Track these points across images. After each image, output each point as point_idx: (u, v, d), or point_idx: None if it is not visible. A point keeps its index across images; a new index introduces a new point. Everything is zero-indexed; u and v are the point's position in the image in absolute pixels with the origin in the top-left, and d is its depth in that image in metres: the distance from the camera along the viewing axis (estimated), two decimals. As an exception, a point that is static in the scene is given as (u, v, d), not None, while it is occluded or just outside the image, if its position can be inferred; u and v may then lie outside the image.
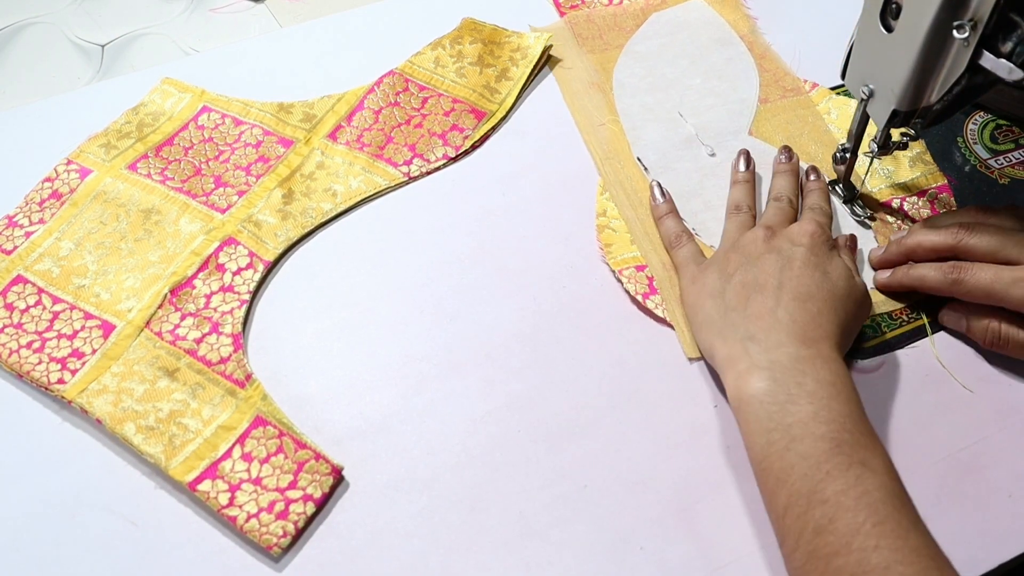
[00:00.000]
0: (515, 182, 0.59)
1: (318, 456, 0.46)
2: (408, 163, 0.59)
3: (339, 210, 0.57)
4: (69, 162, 0.59)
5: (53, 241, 0.55)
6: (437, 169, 0.59)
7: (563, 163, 0.60)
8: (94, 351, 0.50)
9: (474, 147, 0.61)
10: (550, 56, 0.66)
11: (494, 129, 0.62)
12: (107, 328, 0.51)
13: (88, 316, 0.52)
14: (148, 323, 0.51)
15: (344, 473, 0.47)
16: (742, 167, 0.58)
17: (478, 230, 0.57)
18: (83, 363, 0.50)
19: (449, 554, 0.44)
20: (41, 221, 0.56)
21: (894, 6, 0.45)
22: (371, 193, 0.58)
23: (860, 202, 0.57)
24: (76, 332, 0.51)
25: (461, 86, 0.63)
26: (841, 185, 0.57)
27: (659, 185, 0.57)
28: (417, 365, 0.51)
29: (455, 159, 0.60)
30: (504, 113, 0.62)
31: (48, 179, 0.58)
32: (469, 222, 0.57)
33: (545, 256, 0.55)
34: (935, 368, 0.50)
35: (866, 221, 0.56)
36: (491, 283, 0.54)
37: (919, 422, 0.48)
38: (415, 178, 0.59)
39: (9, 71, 0.69)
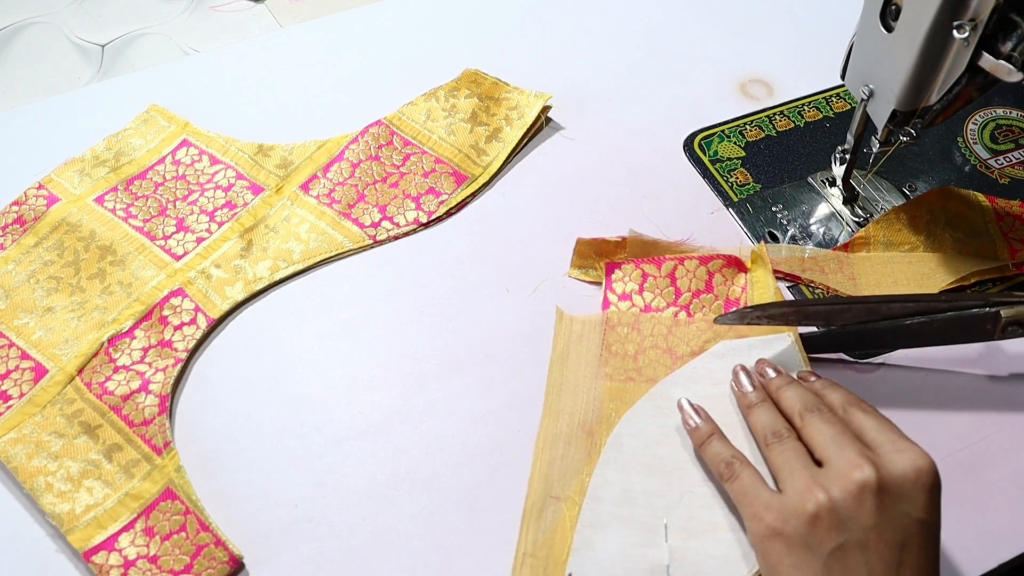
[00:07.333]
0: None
1: (218, 542, 0.44)
2: (375, 225, 0.56)
3: (290, 272, 0.54)
4: (40, 187, 0.58)
5: (9, 269, 0.54)
6: (406, 234, 0.56)
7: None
8: (22, 395, 0.49)
9: (449, 213, 0.57)
10: (549, 118, 0.62)
11: (474, 195, 0.58)
12: (39, 372, 0.50)
13: (24, 356, 0.51)
14: (80, 371, 0.50)
15: (344, 473, 0.47)
16: (751, 386, 0.46)
17: (478, 230, 0.57)
18: (8, 407, 0.49)
19: (449, 554, 0.44)
20: (1, 247, 0.56)
21: (894, 6, 0.45)
22: (330, 255, 0.55)
23: (860, 204, 0.57)
24: (8, 372, 0.50)
25: (448, 145, 0.60)
26: (841, 186, 0.57)
27: (689, 403, 0.46)
28: (417, 365, 0.51)
29: (426, 225, 0.57)
30: (488, 178, 0.59)
31: (16, 202, 0.58)
32: (469, 222, 0.57)
33: (545, 256, 0.55)
34: (935, 368, 0.50)
35: (867, 221, 0.56)
36: (491, 283, 0.54)
37: (919, 422, 0.48)
38: (380, 242, 0.56)
39: (9, 71, 0.69)
